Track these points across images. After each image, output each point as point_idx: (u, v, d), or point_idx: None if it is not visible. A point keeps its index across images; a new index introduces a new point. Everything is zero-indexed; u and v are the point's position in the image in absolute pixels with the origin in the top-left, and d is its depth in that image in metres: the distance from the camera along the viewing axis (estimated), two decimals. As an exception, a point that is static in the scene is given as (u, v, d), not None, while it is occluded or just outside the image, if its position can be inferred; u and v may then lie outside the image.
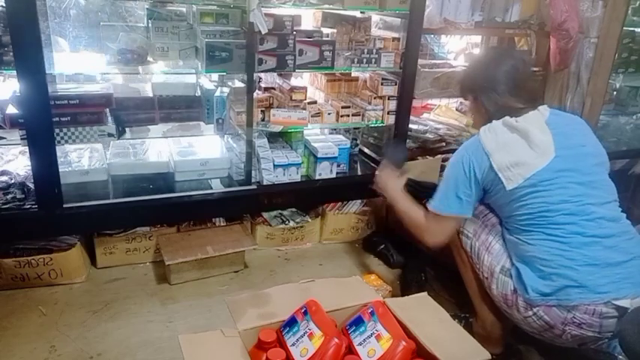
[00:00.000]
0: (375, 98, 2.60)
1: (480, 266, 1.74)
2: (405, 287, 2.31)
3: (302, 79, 2.88)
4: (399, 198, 1.91)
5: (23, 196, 2.10)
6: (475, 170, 1.66)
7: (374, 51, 2.45)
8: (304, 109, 2.46)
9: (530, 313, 1.58)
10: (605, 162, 1.70)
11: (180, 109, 2.41)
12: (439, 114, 3.13)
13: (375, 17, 2.73)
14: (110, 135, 2.17)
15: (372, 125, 2.64)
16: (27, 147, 1.96)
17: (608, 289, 1.49)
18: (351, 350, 1.42)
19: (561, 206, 1.56)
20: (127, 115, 2.28)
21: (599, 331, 1.52)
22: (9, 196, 2.09)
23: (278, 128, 2.40)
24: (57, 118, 2.02)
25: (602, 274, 1.50)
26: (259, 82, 2.55)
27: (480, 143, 1.67)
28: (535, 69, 2.79)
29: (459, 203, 1.69)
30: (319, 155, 2.51)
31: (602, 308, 1.49)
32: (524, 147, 1.61)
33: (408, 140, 2.70)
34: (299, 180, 2.52)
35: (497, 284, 1.67)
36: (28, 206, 2.07)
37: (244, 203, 2.45)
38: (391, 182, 1.98)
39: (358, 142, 2.77)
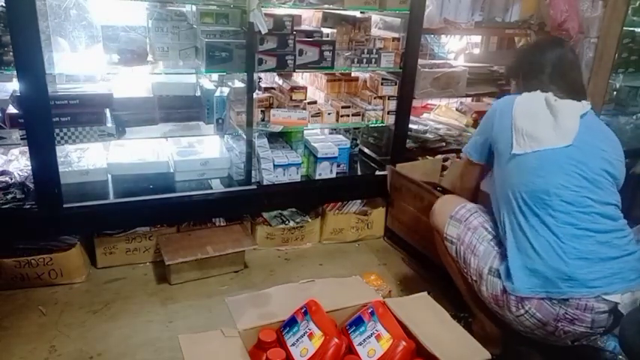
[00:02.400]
0: (375, 98, 2.60)
1: (468, 270, 1.74)
2: None
3: (302, 79, 2.88)
4: None
5: (23, 196, 2.11)
6: (495, 123, 1.73)
7: (374, 51, 2.45)
8: (304, 109, 2.46)
9: (522, 311, 1.57)
10: (619, 180, 1.67)
11: (181, 109, 2.41)
12: (439, 114, 3.13)
13: (375, 17, 2.73)
14: (110, 135, 2.17)
15: (372, 125, 2.64)
16: (27, 147, 1.97)
17: (599, 283, 1.49)
18: (351, 350, 1.42)
19: (560, 191, 1.55)
20: (127, 115, 2.28)
21: (590, 327, 1.52)
22: (9, 196, 2.09)
23: (278, 128, 2.40)
24: (57, 118, 2.02)
25: (594, 269, 1.50)
26: (259, 82, 2.55)
27: (512, 103, 1.71)
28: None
29: (475, 147, 1.84)
30: (319, 155, 2.51)
31: (593, 303, 1.49)
32: (548, 125, 1.63)
33: (408, 140, 2.70)
34: (299, 180, 2.52)
35: (486, 286, 1.66)
36: (28, 206, 2.07)
37: (244, 203, 2.45)
38: None
39: (358, 142, 2.77)
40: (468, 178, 1.95)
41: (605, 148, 1.66)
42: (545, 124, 1.63)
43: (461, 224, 1.79)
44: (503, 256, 1.65)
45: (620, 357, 1.75)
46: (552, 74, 1.72)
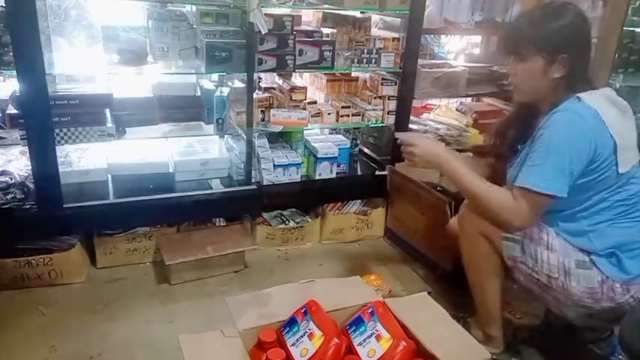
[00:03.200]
0: (375, 98, 2.60)
1: (545, 267, 1.58)
2: None
3: (302, 79, 2.88)
4: (463, 170, 1.61)
5: (23, 196, 2.11)
6: (596, 147, 1.46)
7: (374, 51, 2.45)
8: (304, 109, 2.46)
9: (627, 296, 1.53)
10: None
11: (181, 109, 2.41)
12: (439, 114, 3.13)
13: (375, 17, 2.73)
14: (110, 135, 2.17)
15: (372, 125, 2.64)
16: (27, 147, 1.97)
17: None
18: (351, 350, 1.41)
19: None
20: (127, 115, 2.28)
21: None
22: (9, 196, 2.09)
23: (278, 128, 2.40)
24: (57, 118, 2.02)
25: None
26: (259, 82, 2.55)
27: (599, 116, 1.46)
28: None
29: (563, 181, 1.47)
30: (319, 155, 2.51)
31: None
32: (629, 128, 1.54)
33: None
34: (299, 180, 2.52)
35: (578, 280, 1.55)
36: (28, 206, 2.07)
37: (244, 203, 2.45)
38: (437, 147, 1.69)
39: (358, 142, 2.77)
40: (538, 213, 1.55)
41: None
42: (627, 129, 1.53)
43: None
44: (580, 248, 1.58)
45: (620, 357, 1.74)
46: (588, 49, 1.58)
